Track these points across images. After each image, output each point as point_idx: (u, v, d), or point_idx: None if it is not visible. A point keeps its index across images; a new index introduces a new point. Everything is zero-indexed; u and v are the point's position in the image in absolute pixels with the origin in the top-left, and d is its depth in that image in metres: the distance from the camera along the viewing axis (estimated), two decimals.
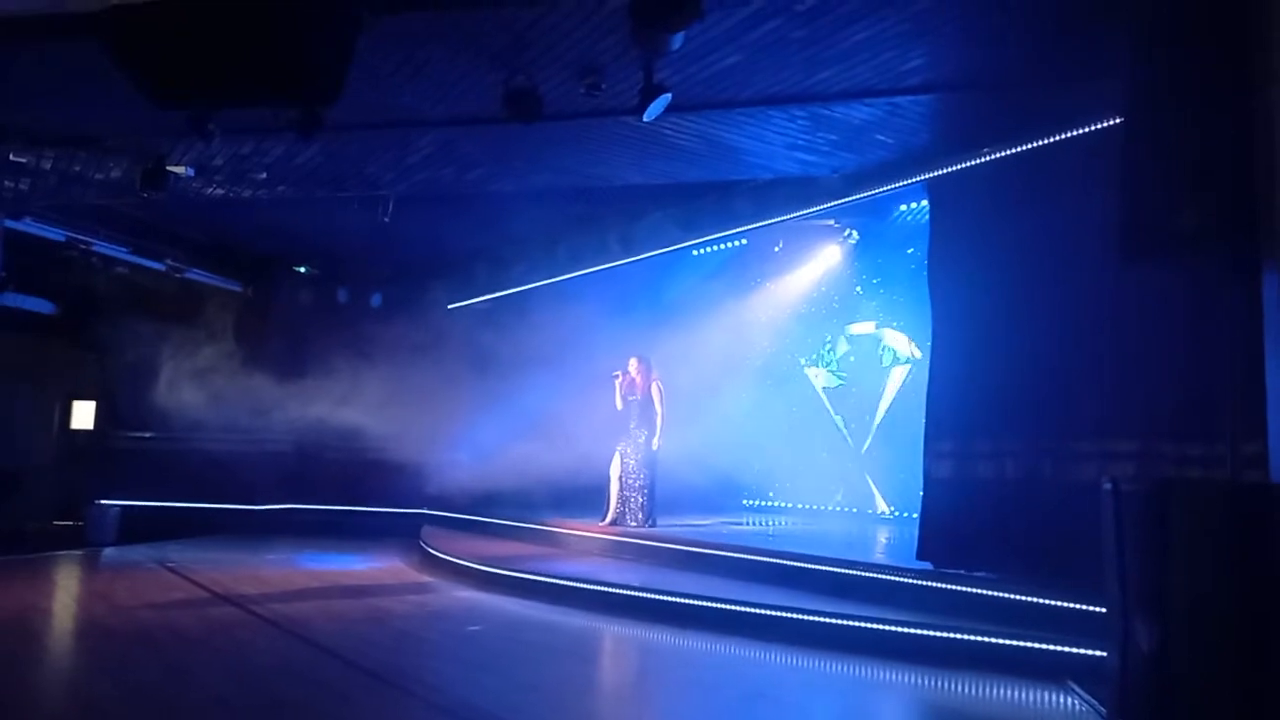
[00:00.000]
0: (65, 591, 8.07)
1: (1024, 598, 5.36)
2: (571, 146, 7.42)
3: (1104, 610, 3.88)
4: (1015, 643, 5.08)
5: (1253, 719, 3.15)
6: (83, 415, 12.38)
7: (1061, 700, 4.60)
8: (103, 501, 11.05)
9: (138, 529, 10.89)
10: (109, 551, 10.29)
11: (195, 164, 7.73)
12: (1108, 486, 3.69)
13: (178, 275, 11.56)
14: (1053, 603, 5.18)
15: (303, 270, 12.75)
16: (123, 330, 11.39)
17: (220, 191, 8.60)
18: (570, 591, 7.17)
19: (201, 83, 2.53)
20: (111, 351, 11.74)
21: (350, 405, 10.92)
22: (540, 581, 7.49)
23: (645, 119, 5.87)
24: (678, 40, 4.90)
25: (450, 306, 12.75)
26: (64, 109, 6.57)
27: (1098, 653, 4.29)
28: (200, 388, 10.87)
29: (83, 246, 10.57)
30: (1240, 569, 3.21)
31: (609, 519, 9.13)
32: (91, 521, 10.87)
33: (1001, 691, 4.76)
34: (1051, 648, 4.94)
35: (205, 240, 11.64)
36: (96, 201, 9.20)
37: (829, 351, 11.40)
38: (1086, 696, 4.47)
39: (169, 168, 7.49)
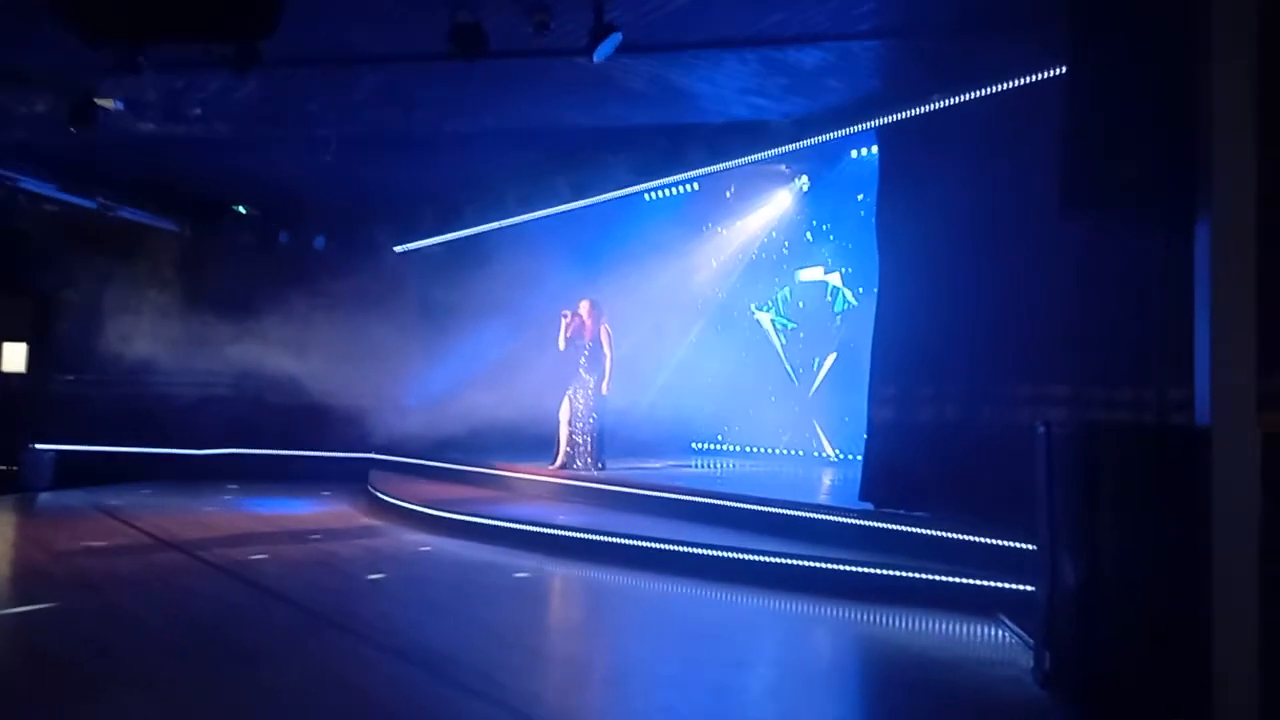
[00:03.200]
0: (1, 539, 7.90)
1: (960, 536, 5.55)
2: (521, 87, 7.27)
3: (1034, 547, 4.05)
4: (951, 579, 5.28)
5: (1168, 647, 3.34)
6: (14, 357, 11.98)
7: (992, 633, 4.80)
8: (38, 445, 10.78)
9: (74, 474, 10.66)
10: (45, 496, 10.08)
11: (126, 99, 7.40)
12: (1041, 429, 3.82)
13: (110, 214, 11.15)
14: (987, 540, 5.38)
15: (242, 211, 12.37)
16: (55, 270, 10.97)
17: (153, 128, 8.27)
18: (519, 534, 7.24)
19: (129, 14, 2.41)
20: (43, 292, 11.32)
21: (294, 348, 10.73)
22: (489, 525, 7.54)
23: (595, 59, 5.77)
24: None
25: (397, 249, 12.52)
26: None
27: (1028, 587, 4.49)
28: (138, 329, 10.57)
29: (8, 183, 10.12)
30: (1162, 507, 3.37)
31: (558, 463, 9.18)
32: (26, 466, 10.61)
33: (937, 625, 4.96)
34: (984, 583, 5.15)
35: (139, 178, 11.18)
36: (22, 137, 8.79)
37: (779, 297, 11.49)
38: (1016, 629, 4.68)
39: (97, 102, 7.17)
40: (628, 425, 9.68)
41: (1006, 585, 5.02)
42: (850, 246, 10.41)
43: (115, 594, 5.56)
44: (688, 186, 10.48)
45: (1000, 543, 5.27)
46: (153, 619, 5.04)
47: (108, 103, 7.32)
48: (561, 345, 9.11)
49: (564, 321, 9.07)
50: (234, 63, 5.95)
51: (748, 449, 11.49)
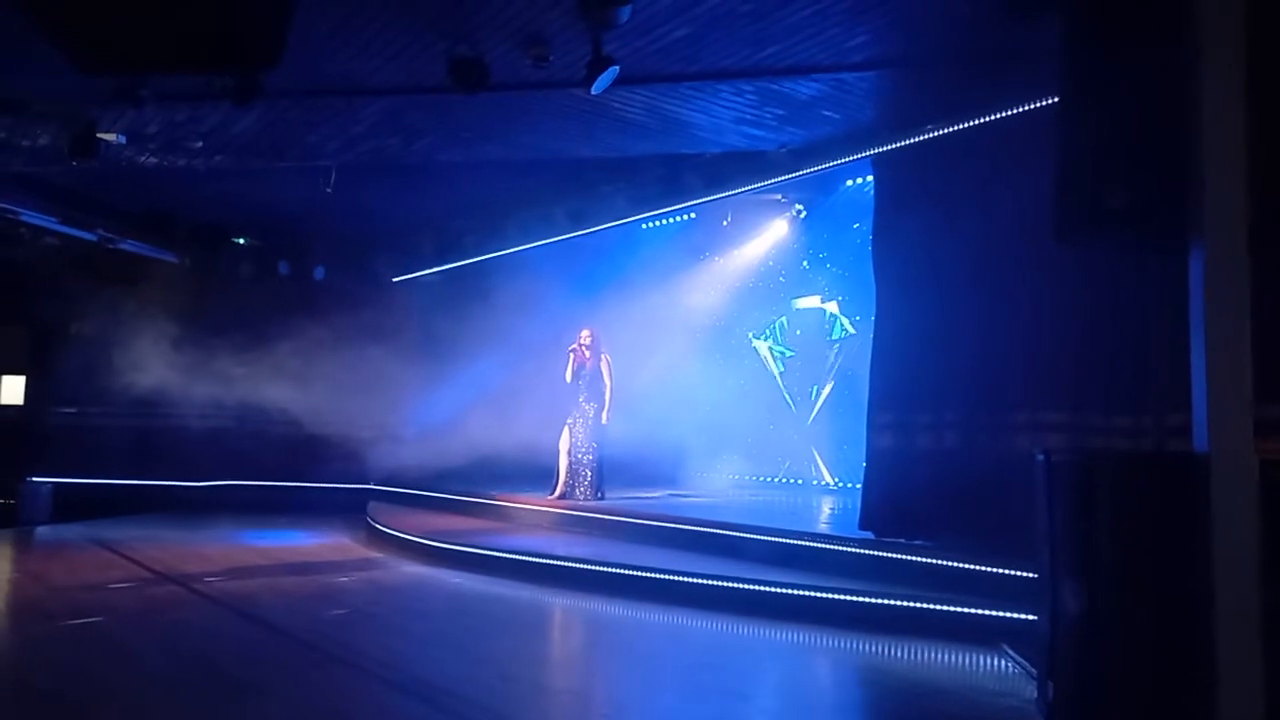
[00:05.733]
0: None
1: (961, 565, 5.52)
2: (519, 118, 7.34)
3: (1035, 576, 4.03)
4: (952, 608, 5.24)
5: (1171, 677, 3.30)
6: (12, 390, 11.98)
7: (995, 663, 4.76)
8: (35, 479, 10.74)
9: (73, 507, 10.61)
10: (43, 530, 10.02)
11: (127, 131, 7.47)
12: (1040, 457, 3.81)
13: (110, 246, 11.19)
14: (988, 569, 5.34)
15: (242, 242, 12.43)
16: (54, 303, 11.01)
17: (154, 160, 8.34)
18: (519, 565, 7.19)
19: (129, 47, 2.43)
20: (42, 324, 11.35)
21: (294, 379, 10.72)
22: (489, 555, 7.49)
23: (593, 92, 5.83)
24: (625, 13, 4.87)
25: (396, 279, 12.57)
26: None
27: (1030, 617, 4.45)
28: (137, 361, 10.57)
29: (10, 216, 10.17)
30: (1162, 535, 3.35)
31: (558, 493, 9.15)
32: (24, 500, 10.56)
33: (939, 655, 4.91)
34: (986, 612, 5.11)
35: (139, 210, 11.25)
36: (24, 170, 8.85)
37: (776, 325, 11.51)
38: (1018, 658, 4.64)
39: (99, 135, 7.23)
40: (627, 454, 9.65)
41: (1009, 614, 4.98)
42: (847, 274, 10.45)
43: (109, 627, 5.51)
44: (685, 215, 10.54)
45: (1002, 571, 5.23)
46: (145, 651, 5.00)
47: (110, 136, 7.38)
48: (569, 379, 9.12)
49: (572, 357, 9.08)
50: (235, 94, 6.01)
51: (747, 477, 11.45)
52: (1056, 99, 4.34)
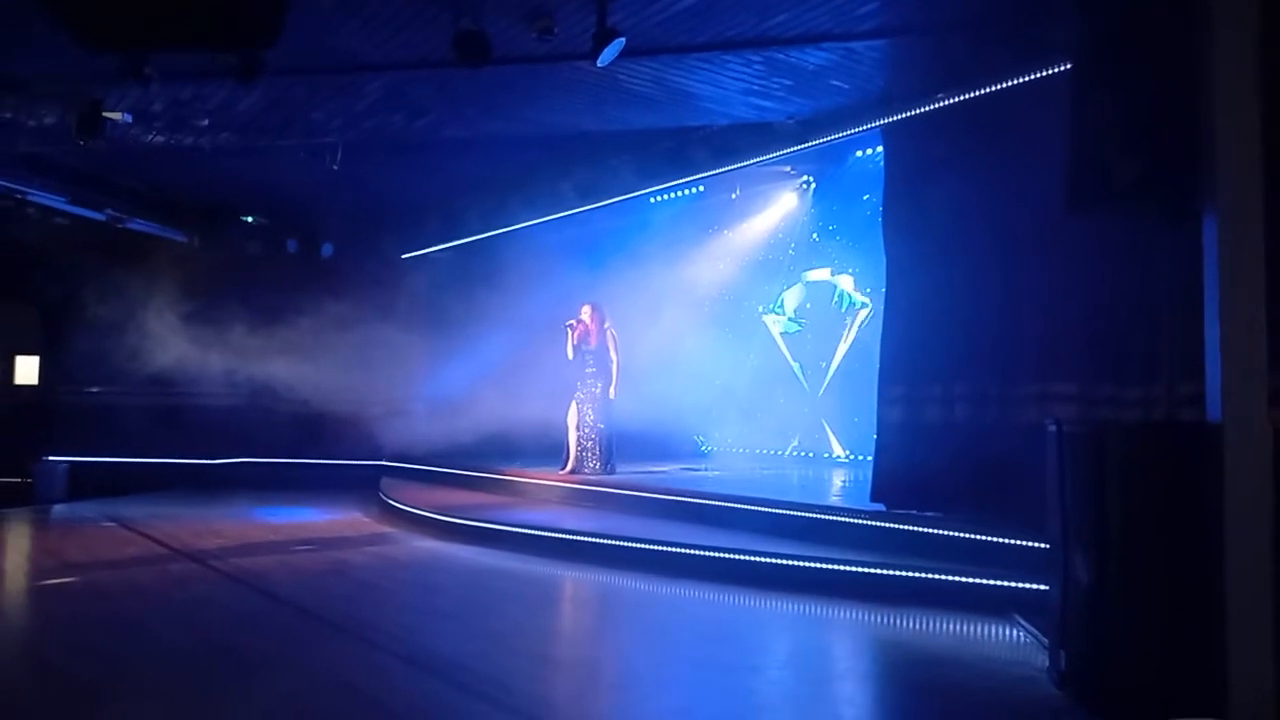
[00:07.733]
0: (15, 550, 7.94)
1: (972, 535, 5.52)
2: (525, 92, 7.29)
3: (1047, 545, 4.03)
4: (963, 579, 5.24)
5: (1181, 645, 3.31)
6: (26, 370, 12.07)
7: (1007, 632, 4.77)
8: (51, 458, 10.84)
9: (88, 485, 10.71)
10: (59, 508, 10.12)
11: (133, 110, 7.45)
12: (1051, 428, 3.80)
13: (119, 225, 11.22)
14: (999, 540, 5.35)
15: (250, 220, 12.43)
16: (65, 282, 11.05)
17: (160, 139, 8.33)
18: (530, 539, 7.23)
19: (130, 24, 2.42)
20: (54, 304, 11.41)
21: (304, 357, 10.76)
22: (500, 530, 7.53)
23: (599, 64, 5.78)
24: None
25: (404, 256, 12.56)
26: None
27: (1041, 586, 4.45)
28: (148, 340, 10.62)
29: (18, 197, 10.20)
30: (1173, 504, 3.34)
31: (568, 468, 9.17)
32: (40, 478, 10.67)
33: (950, 626, 4.93)
34: (998, 583, 5.11)
35: (147, 189, 11.27)
36: (30, 149, 8.86)
37: (786, 298, 11.47)
38: (1030, 628, 4.65)
39: (105, 114, 7.22)
40: (636, 428, 9.67)
41: (1021, 585, 4.98)
42: (857, 246, 10.38)
43: (124, 603, 5.57)
44: (693, 188, 10.48)
45: (1014, 542, 5.23)
46: (161, 627, 5.05)
47: (116, 115, 7.37)
48: (570, 355, 9.10)
49: (570, 333, 9.06)
50: (238, 72, 5.98)
51: (757, 450, 11.46)
52: (1069, 66, 4.28)
